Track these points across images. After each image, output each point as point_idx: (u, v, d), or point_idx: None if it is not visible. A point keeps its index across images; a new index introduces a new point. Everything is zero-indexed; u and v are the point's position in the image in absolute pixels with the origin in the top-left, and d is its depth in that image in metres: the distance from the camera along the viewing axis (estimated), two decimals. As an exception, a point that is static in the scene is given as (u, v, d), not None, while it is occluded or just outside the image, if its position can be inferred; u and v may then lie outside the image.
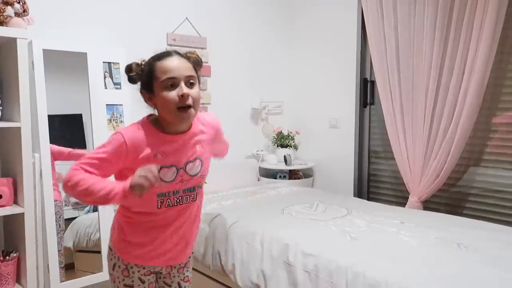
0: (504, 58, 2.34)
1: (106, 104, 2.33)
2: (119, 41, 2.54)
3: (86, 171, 1.17)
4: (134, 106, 2.50)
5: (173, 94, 1.19)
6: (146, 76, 1.24)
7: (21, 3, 1.95)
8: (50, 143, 2.13)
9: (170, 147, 1.26)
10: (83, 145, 2.44)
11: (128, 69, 1.27)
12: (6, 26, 1.89)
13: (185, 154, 1.28)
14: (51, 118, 2.17)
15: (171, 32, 2.81)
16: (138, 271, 1.36)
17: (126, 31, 2.61)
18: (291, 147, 3.27)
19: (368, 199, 3.01)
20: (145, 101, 1.28)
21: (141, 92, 1.28)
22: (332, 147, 3.22)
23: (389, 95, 2.70)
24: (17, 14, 1.93)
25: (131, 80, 1.28)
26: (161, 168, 1.21)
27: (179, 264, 1.46)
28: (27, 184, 1.94)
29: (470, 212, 2.52)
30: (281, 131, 3.31)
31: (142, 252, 1.34)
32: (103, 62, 2.33)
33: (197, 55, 1.33)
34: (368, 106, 3.03)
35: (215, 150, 1.51)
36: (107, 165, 1.21)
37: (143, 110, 2.81)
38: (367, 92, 3.02)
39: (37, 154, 2.05)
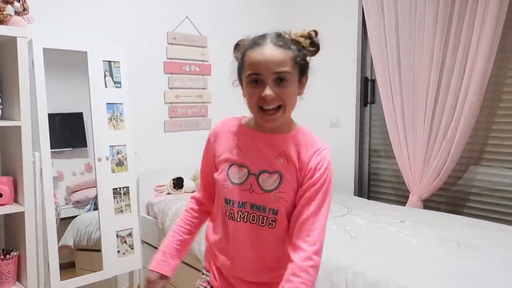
0: (505, 57, 2.33)
1: (106, 103, 2.33)
2: (119, 40, 2.54)
3: (195, 196, 1.23)
4: (134, 105, 2.51)
5: (254, 92, 1.00)
6: (239, 64, 1.07)
7: (21, 1, 1.94)
8: (51, 142, 2.13)
9: (248, 142, 1.08)
10: (83, 144, 2.44)
11: (236, 45, 1.11)
12: (6, 24, 1.89)
13: (263, 158, 1.06)
14: (52, 117, 2.17)
15: (171, 31, 2.80)
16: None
17: (127, 30, 2.61)
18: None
19: (369, 198, 3.00)
20: (242, 90, 1.10)
21: (238, 78, 1.10)
22: (333, 146, 3.17)
23: (389, 94, 2.69)
24: (17, 13, 1.93)
25: (236, 59, 1.10)
26: (232, 164, 1.08)
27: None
28: (27, 182, 1.94)
29: (471, 211, 2.51)
30: (281, 130, 3.30)
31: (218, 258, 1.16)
32: (103, 60, 2.33)
33: (311, 35, 1.06)
34: (368, 105, 3.03)
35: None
36: (208, 164, 1.16)
37: (143, 109, 2.80)
38: (367, 90, 3.02)
39: (37, 153, 2.05)
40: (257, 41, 1.02)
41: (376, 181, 3.05)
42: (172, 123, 2.85)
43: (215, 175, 1.12)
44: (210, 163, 1.15)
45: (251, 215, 1.06)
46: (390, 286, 1.45)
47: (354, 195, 3.02)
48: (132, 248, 2.39)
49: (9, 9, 1.89)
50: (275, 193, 1.05)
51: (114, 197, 2.33)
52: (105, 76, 2.33)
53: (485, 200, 2.46)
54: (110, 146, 2.33)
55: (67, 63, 2.32)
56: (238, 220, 1.07)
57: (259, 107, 1.01)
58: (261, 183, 1.05)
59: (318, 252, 1.01)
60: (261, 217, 1.06)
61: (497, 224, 2.13)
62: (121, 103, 2.38)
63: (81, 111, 2.43)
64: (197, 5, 2.94)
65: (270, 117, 1.01)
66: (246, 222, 1.07)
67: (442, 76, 2.43)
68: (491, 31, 2.21)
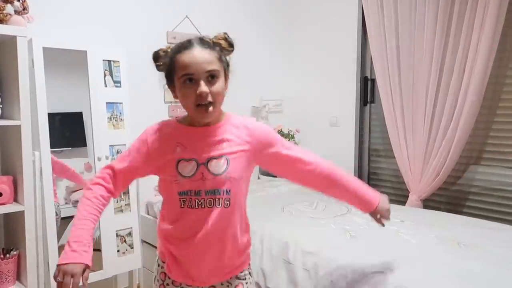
0: (505, 56, 2.34)
1: (106, 102, 2.33)
2: (119, 39, 2.54)
3: (111, 172, 1.20)
4: (134, 104, 2.51)
5: (190, 91, 1.11)
6: (167, 69, 1.17)
7: (21, 1, 1.94)
8: (51, 141, 2.13)
9: (189, 138, 1.18)
10: (83, 143, 2.44)
11: (154, 57, 1.20)
12: (6, 24, 1.88)
13: (207, 148, 1.16)
14: (52, 116, 2.17)
15: (171, 30, 2.80)
16: None
17: (126, 29, 2.61)
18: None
19: (368, 197, 3.00)
20: (172, 93, 1.21)
21: (166, 83, 1.20)
22: (333, 145, 3.21)
23: (389, 94, 2.70)
24: (17, 12, 1.93)
25: (158, 68, 1.21)
26: (179, 160, 1.15)
27: (222, 284, 1.28)
28: (27, 182, 1.94)
29: (470, 210, 2.52)
30: (281, 129, 3.30)
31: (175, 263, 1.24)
32: (103, 60, 2.33)
33: (227, 37, 1.19)
34: (368, 104, 3.03)
35: (293, 173, 1.32)
36: (134, 157, 1.20)
37: (143, 109, 2.79)
38: (367, 90, 3.02)
39: (37, 152, 2.05)
40: (184, 45, 1.13)
41: (376, 181, 3.05)
42: (172, 122, 2.85)
43: (162, 176, 1.21)
44: (139, 160, 1.20)
45: (208, 200, 1.16)
46: (390, 285, 1.45)
47: (354, 194, 3.02)
48: (132, 248, 2.39)
49: (9, 8, 1.89)
50: (225, 174, 1.16)
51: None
52: (104, 75, 2.33)
53: (485, 199, 2.47)
54: (110, 146, 2.33)
55: (67, 62, 2.32)
56: (196, 207, 1.16)
57: (197, 104, 1.12)
58: (212, 169, 1.16)
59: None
60: (216, 199, 1.16)
61: (497, 223, 2.13)
62: (121, 103, 2.38)
63: (81, 111, 2.43)
64: (197, 5, 2.94)
65: (205, 112, 1.12)
66: (204, 207, 1.16)
67: (442, 75, 2.43)
68: (491, 31, 2.21)
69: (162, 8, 2.78)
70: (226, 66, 1.18)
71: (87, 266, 1.06)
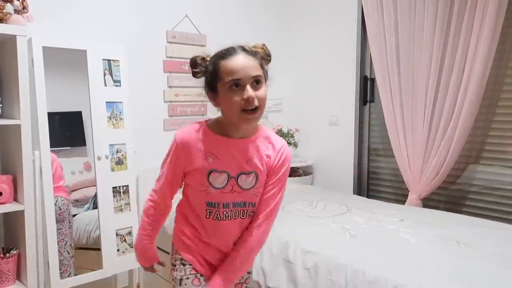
0: (504, 55, 2.34)
1: (106, 102, 2.32)
2: (119, 39, 2.54)
3: (155, 201, 1.28)
4: (134, 104, 2.51)
5: (237, 97, 1.11)
6: (211, 76, 1.16)
7: (20, 0, 1.94)
8: (50, 140, 2.13)
9: (223, 149, 1.18)
10: (83, 142, 2.44)
11: (193, 63, 1.20)
12: (6, 23, 1.88)
13: (239, 162, 1.18)
14: (51, 116, 2.17)
15: (170, 29, 2.80)
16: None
17: (126, 28, 2.60)
18: (290, 144, 3.27)
19: (368, 196, 3.01)
20: (209, 100, 1.21)
21: (205, 91, 1.20)
22: (332, 144, 3.22)
23: (389, 93, 2.70)
24: (16, 11, 1.92)
25: (195, 75, 1.21)
26: (211, 171, 1.17)
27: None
28: (27, 181, 1.94)
29: (470, 209, 2.52)
30: (280, 129, 3.31)
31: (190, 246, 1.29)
32: (103, 59, 2.33)
33: (265, 47, 1.21)
34: (368, 104, 3.03)
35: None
36: (176, 175, 1.23)
37: (143, 108, 2.79)
38: (367, 89, 3.02)
39: (37, 152, 2.05)
40: (229, 52, 1.15)
41: (375, 180, 3.05)
42: (172, 121, 2.85)
43: (189, 181, 1.23)
44: (179, 171, 1.23)
45: (234, 211, 1.22)
46: (389, 284, 1.45)
47: (354, 193, 3.03)
48: (132, 247, 2.39)
49: (9, 8, 1.89)
50: (253, 190, 1.21)
51: (113, 196, 2.33)
52: (104, 74, 2.33)
53: (484, 198, 2.47)
54: (109, 145, 2.33)
55: (66, 61, 2.31)
56: (224, 219, 1.21)
57: (243, 110, 1.12)
58: (241, 184, 1.20)
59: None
60: (242, 211, 1.22)
61: (496, 222, 2.13)
62: (121, 102, 2.38)
63: (80, 110, 2.43)
64: (197, 4, 2.94)
65: (252, 116, 1.13)
66: (230, 219, 1.22)
67: (441, 75, 2.44)
68: (490, 31, 2.21)
69: (161, 7, 2.77)
70: (266, 74, 1.19)
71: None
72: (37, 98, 2.07)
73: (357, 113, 3.03)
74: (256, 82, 1.13)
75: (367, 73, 3.01)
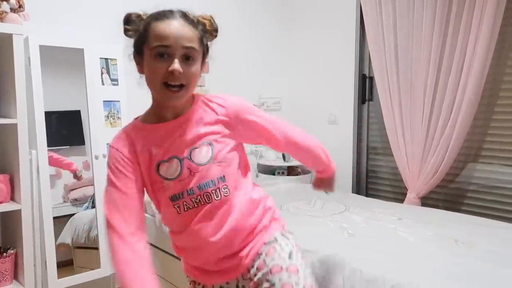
0: (503, 54, 2.33)
1: (103, 101, 2.32)
2: (116, 37, 2.51)
3: (114, 221, 1.00)
4: (131, 103, 2.50)
5: (161, 66, 0.97)
6: (140, 36, 1.02)
7: (16, -1, 1.94)
8: (49, 140, 2.13)
9: (162, 136, 1.04)
10: (82, 142, 2.43)
11: (126, 20, 1.06)
12: (2, 22, 1.87)
13: (184, 140, 1.03)
14: (50, 115, 2.17)
15: (168, 28, 2.79)
16: None
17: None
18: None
19: (367, 195, 3.01)
20: (136, 65, 1.07)
21: (133, 54, 1.06)
22: (331, 143, 3.17)
23: (387, 91, 2.69)
24: (12, 10, 1.92)
25: (126, 33, 1.06)
26: (159, 163, 1.02)
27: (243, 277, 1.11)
28: (24, 180, 1.93)
29: (468, 208, 2.52)
30: (279, 128, 3.30)
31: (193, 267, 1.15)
32: (100, 58, 2.32)
33: (212, 20, 1.09)
34: (366, 102, 3.03)
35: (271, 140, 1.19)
36: (124, 182, 1.02)
37: (141, 107, 2.79)
38: (365, 88, 3.01)
39: (34, 151, 2.05)
40: (165, 14, 1.01)
41: (374, 179, 3.05)
42: (170, 120, 2.84)
43: (146, 187, 1.06)
44: (138, 180, 1.04)
45: (204, 194, 1.03)
46: (387, 283, 1.45)
47: (352, 192, 3.02)
48: (130, 246, 2.38)
49: (5, 6, 1.88)
50: (213, 161, 1.03)
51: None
52: (102, 73, 2.32)
53: (483, 197, 2.47)
54: (107, 144, 2.31)
55: (64, 60, 2.31)
56: (196, 206, 1.03)
57: (164, 82, 0.98)
58: (196, 161, 1.02)
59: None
60: (213, 191, 1.03)
61: (495, 221, 2.13)
62: (118, 101, 2.37)
63: (79, 109, 2.43)
64: (194, 2, 2.92)
65: (174, 94, 0.99)
66: (204, 204, 1.03)
67: (440, 73, 2.43)
68: (489, 30, 2.20)
69: (159, 5, 2.76)
70: (205, 50, 1.06)
71: None
72: (34, 97, 2.06)
73: (355, 111, 3.03)
74: (188, 57, 0.98)
75: (366, 72, 3.00)
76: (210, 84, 3.00)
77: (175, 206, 1.04)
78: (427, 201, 2.62)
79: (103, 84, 2.32)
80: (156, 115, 1.07)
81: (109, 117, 2.34)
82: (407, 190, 2.64)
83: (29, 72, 2.05)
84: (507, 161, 2.37)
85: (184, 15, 1.02)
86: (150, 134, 1.05)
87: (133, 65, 2.84)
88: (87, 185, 2.42)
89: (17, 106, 1.89)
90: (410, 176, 2.61)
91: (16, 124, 1.90)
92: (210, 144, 1.04)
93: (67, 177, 2.41)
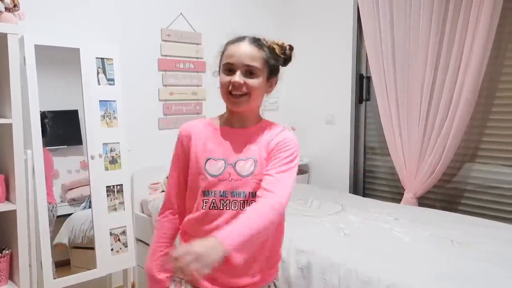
0: (500, 53, 2.33)
1: (100, 100, 2.31)
2: (112, 37, 2.52)
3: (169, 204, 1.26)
4: (127, 102, 2.49)
5: (226, 79, 1.16)
6: (220, 56, 1.23)
7: (11, -2, 1.92)
8: (47, 139, 2.13)
9: (221, 138, 1.19)
10: (79, 141, 2.43)
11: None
12: (-4, 21, 1.87)
13: (236, 150, 1.17)
14: (47, 115, 2.17)
15: (165, 27, 2.79)
16: None
17: (120, 27, 2.59)
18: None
19: (364, 195, 3.00)
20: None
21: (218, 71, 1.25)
22: (328, 143, 3.21)
23: (384, 91, 2.69)
24: (7, 9, 1.90)
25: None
26: (208, 159, 1.17)
27: None
28: (19, 181, 1.92)
29: (465, 208, 2.51)
30: (277, 127, 3.29)
31: None
32: (96, 58, 2.31)
33: (285, 47, 1.25)
34: (364, 102, 3.02)
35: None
36: (178, 165, 1.23)
37: (137, 106, 2.78)
38: (363, 88, 3.01)
39: (29, 151, 2.04)
40: (237, 38, 1.19)
41: (371, 179, 3.05)
42: (166, 120, 2.84)
43: (190, 170, 1.20)
44: (185, 164, 1.21)
45: (233, 202, 1.14)
46: (382, 283, 1.45)
47: (350, 192, 3.02)
48: (126, 246, 2.38)
49: (-1, 6, 1.87)
50: (252, 177, 1.14)
51: (107, 195, 2.32)
52: (98, 73, 2.31)
53: (479, 197, 2.47)
54: (103, 144, 2.32)
55: (60, 60, 2.30)
56: (221, 208, 1.14)
57: (229, 92, 1.15)
58: (239, 170, 1.15)
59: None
60: (241, 202, 1.14)
61: (491, 221, 2.13)
62: (114, 101, 2.37)
63: (76, 109, 2.42)
64: (191, 2, 2.92)
65: (236, 100, 1.15)
66: (228, 209, 1.14)
67: (437, 73, 2.43)
68: (486, 29, 2.20)
69: (156, 5, 2.76)
70: (270, 70, 1.20)
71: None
72: (30, 96, 2.05)
73: (353, 111, 3.02)
74: (250, 72, 1.14)
75: (363, 72, 3.00)
76: (207, 83, 2.99)
77: (204, 201, 1.16)
78: (424, 201, 2.62)
79: (99, 83, 2.31)
80: (225, 120, 1.24)
81: (105, 116, 2.33)
82: (404, 190, 2.63)
83: (24, 72, 2.04)
84: (504, 161, 2.36)
85: (253, 39, 1.20)
86: (212, 131, 1.22)
87: (129, 64, 2.85)
88: (85, 185, 2.42)
89: (12, 106, 1.88)
90: (407, 176, 2.61)
91: (11, 124, 1.88)
92: (255, 161, 1.16)
93: (64, 177, 2.41)
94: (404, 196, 2.62)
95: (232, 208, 1.14)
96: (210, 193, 1.15)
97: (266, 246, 1.19)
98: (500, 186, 2.38)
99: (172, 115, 2.87)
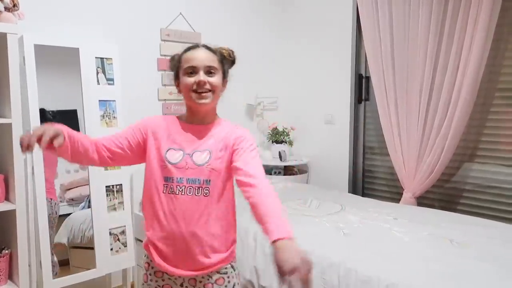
0: (498, 54, 2.34)
1: (99, 100, 2.31)
2: (112, 37, 2.52)
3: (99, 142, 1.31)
4: (127, 102, 2.49)
5: (190, 80, 1.28)
6: (175, 65, 1.35)
7: (11, -3, 1.92)
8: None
9: (182, 132, 1.33)
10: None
11: (171, 59, 1.39)
12: (-4, 21, 1.87)
13: (195, 142, 1.31)
14: (46, 114, 2.16)
15: (164, 27, 2.79)
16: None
17: (119, 26, 2.59)
18: (286, 143, 3.27)
19: (363, 195, 3.01)
20: (176, 87, 1.37)
21: (174, 80, 1.38)
22: (327, 143, 3.21)
23: (383, 91, 2.70)
24: (7, 9, 1.90)
25: (171, 69, 1.39)
26: (169, 149, 1.29)
27: (202, 277, 1.31)
28: (19, 180, 1.92)
29: (464, 208, 2.52)
30: (276, 127, 3.30)
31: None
32: (96, 57, 2.31)
33: (231, 52, 1.39)
34: (363, 102, 3.03)
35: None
36: (124, 134, 1.33)
37: (136, 106, 2.78)
38: (362, 88, 3.01)
39: (29, 151, 2.04)
40: (191, 47, 1.33)
41: (370, 178, 3.05)
42: (166, 120, 2.84)
43: (151, 157, 1.30)
44: (133, 137, 1.32)
45: (188, 188, 1.27)
46: (382, 283, 1.45)
47: (349, 192, 3.03)
48: (126, 246, 2.38)
49: (-1, 5, 1.87)
50: (206, 166, 1.28)
51: (107, 195, 2.32)
52: (97, 73, 2.31)
53: (478, 197, 2.47)
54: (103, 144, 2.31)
55: (59, 59, 2.29)
56: (177, 193, 1.27)
57: (194, 90, 1.28)
58: (195, 160, 1.28)
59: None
60: (196, 188, 1.27)
61: (490, 221, 2.13)
62: (114, 100, 2.37)
63: (75, 108, 2.42)
64: (191, 2, 2.92)
65: (202, 95, 1.28)
66: (184, 194, 1.27)
67: (436, 73, 2.43)
68: (484, 29, 2.21)
69: (155, 5, 2.76)
70: (225, 70, 1.36)
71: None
72: (29, 96, 2.05)
73: (352, 111, 3.03)
74: (210, 72, 1.29)
75: (362, 72, 3.00)
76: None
77: (164, 185, 1.28)
78: (423, 200, 2.62)
79: (98, 83, 2.32)
80: (187, 117, 1.37)
81: (105, 116, 2.33)
82: (403, 189, 2.64)
83: (24, 72, 2.04)
84: (503, 160, 2.37)
85: (206, 46, 1.34)
86: (175, 126, 1.35)
87: (128, 64, 2.85)
88: (84, 185, 2.42)
89: (11, 106, 1.88)
90: (406, 176, 2.62)
91: (10, 124, 1.89)
92: (210, 153, 1.29)
93: (63, 177, 2.41)
94: (403, 195, 2.63)
95: (187, 193, 1.27)
96: (169, 179, 1.28)
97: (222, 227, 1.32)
98: (499, 186, 2.39)
99: (171, 115, 2.86)
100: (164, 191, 1.28)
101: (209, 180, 1.27)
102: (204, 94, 1.28)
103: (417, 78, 2.51)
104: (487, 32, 2.21)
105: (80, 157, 1.25)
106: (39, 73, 2.10)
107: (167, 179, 1.28)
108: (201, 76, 1.27)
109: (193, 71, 1.28)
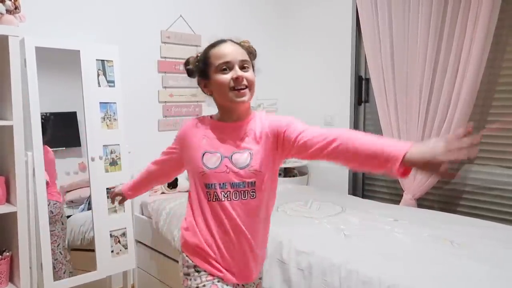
0: (497, 55, 2.35)
1: (100, 102, 2.32)
2: (112, 39, 2.52)
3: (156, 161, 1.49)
4: (128, 104, 2.50)
5: (227, 77, 1.19)
6: (202, 64, 1.26)
7: (12, 0, 1.93)
8: (45, 141, 2.12)
9: (216, 132, 1.25)
10: (78, 143, 2.43)
11: (186, 62, 1.31)
12: (-3, 23, 1.87)
13: (232, 142, 1.22)
14: (46, 116, 2.17)
15: (165, 29, 2.80)
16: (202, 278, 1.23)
17: (120, 29, 2.59)
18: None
19: (363, 196, 3.01)
20: (202, 90, 1.29)
21: (198, 81, 1.30)
22: (327, 144, 3.21)
23: (383, 93, 2.70)
24: (8, 11, 1.91)
25: (190, 73, 1.31)
26: (205, 153, 1.22)
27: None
28: (20, 182, 1.92)
29: (464, 209, 2.53)
30: (276, 129, 3.29)
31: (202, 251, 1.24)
32: (97, 59, 2.32)
33: (250, 45, 1.33)
34: (362, 104, 3.04)
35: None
36: (172, 151, 1.37)
37: (137, 108, 2.78)
38: (361, 89, 3.02)
39: (30, 153, 2.04)
40: (216, 42, 1.26)
41: (370, 180, 3.06)
42: (166, 122, 2.85)
43: (189, 167, 1.28)
44: (174, 153, 1.36)
45: (233, 193, 1.20)
46: (383, 284, 1.45)
47: (349, 193, 3.03)
48: (126, 248, 2.38)
49: (0, 8, 1.87)
50: (249, 168, 1.20)
51: (107, 197, 2.32)
52: (98, 75, 2.32)
53: (478, 198, 2.48)
54: (103, 146, 2.32)
55: (60, 62, 2.30)
56: (223, 200, 1.20)
57: (232, 87, 1.19)
58: (235, 162, 1.20)
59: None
60: (242, 192, 1.20)
61: (490, 222, 2.14)
62: (115, 102, 2.37)
63: (75, 111, 2.42)
64: (191, 4, 2.93)
65: (242, 93, 1.19)
66: (230, 200, 1.20)
67: (435, 75, 2.44)
68: (484, 31, 2.22)
69: (156, 7, 2.77)
70: (253, 65, 1.28)
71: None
72: (30, 98, 2.06)
73: (352, 113, 3.03)
74: (243, 67, 1.21)
75: (362, 73, 3.01)
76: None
77: (207, 193, 1.21)
78: (423, 202, 2.63)
79: (99, 85, 2.32)
80: (220, 116, 1.29)
81: (106, 118, 2.34)
82: (403, 191, 2.65)
83: (25, 74, 2.04)
84: (502, 162, 2.38)
85: (232, 40, 1.27)
86: (208, 127, 1.27)
87: (129, 66, 2.85)
88: (84, 187, 2.42)
89: (13, 108, 1.88)
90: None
91: (12, 126, 1.89)
92: (250, 154, 1.20)
93: (62, 179, 2.41)
94: (403, 197, 2.63)
95: (233, 198, 1.20)
96: (210, 185, 1.20)
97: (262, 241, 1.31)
98: (498, 187, 2.39)
99: (172, 117, 2.87)
100: (209, 200, 1.21)
101: (254, 182, 1.20)
102: (243, 91, 1.20)
103: (417, 80, 2.52)
104: (486, 34, 2.22)
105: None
106: (40, 76, 2.10)
107: (208, 185, 1.21)
108: (238, 71, 1.19)
109: (226, 67, 1.20)
